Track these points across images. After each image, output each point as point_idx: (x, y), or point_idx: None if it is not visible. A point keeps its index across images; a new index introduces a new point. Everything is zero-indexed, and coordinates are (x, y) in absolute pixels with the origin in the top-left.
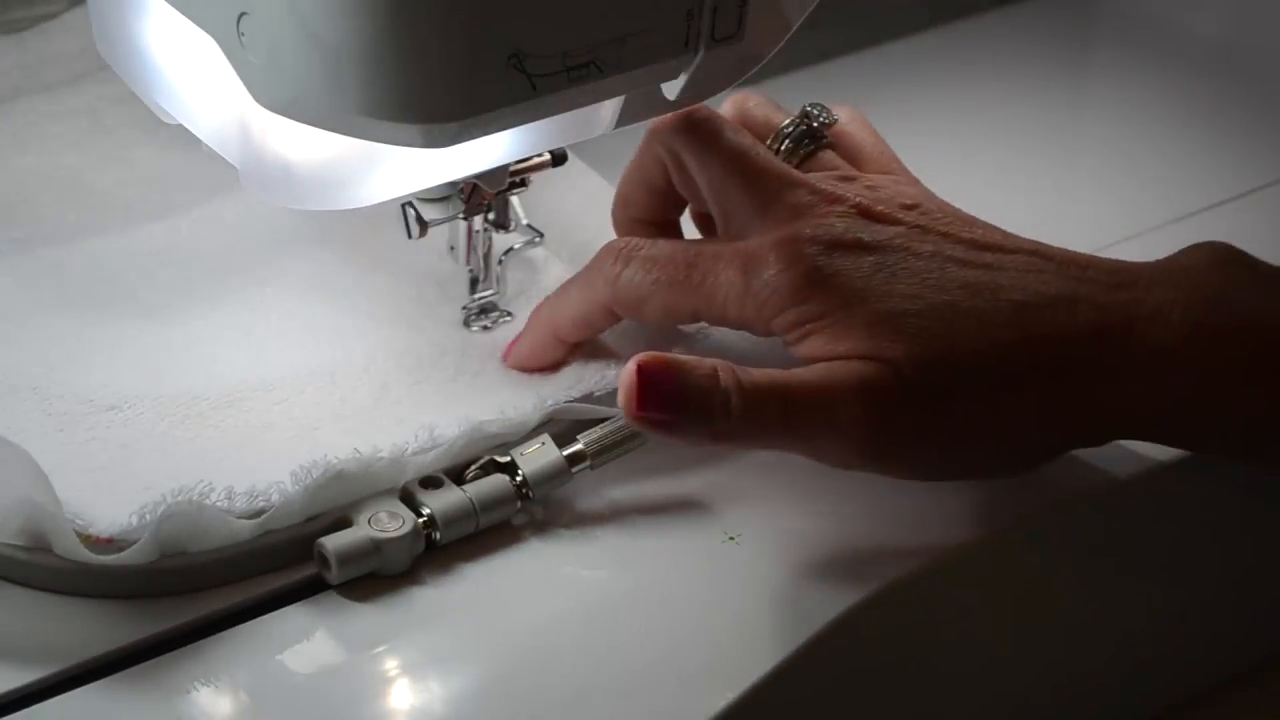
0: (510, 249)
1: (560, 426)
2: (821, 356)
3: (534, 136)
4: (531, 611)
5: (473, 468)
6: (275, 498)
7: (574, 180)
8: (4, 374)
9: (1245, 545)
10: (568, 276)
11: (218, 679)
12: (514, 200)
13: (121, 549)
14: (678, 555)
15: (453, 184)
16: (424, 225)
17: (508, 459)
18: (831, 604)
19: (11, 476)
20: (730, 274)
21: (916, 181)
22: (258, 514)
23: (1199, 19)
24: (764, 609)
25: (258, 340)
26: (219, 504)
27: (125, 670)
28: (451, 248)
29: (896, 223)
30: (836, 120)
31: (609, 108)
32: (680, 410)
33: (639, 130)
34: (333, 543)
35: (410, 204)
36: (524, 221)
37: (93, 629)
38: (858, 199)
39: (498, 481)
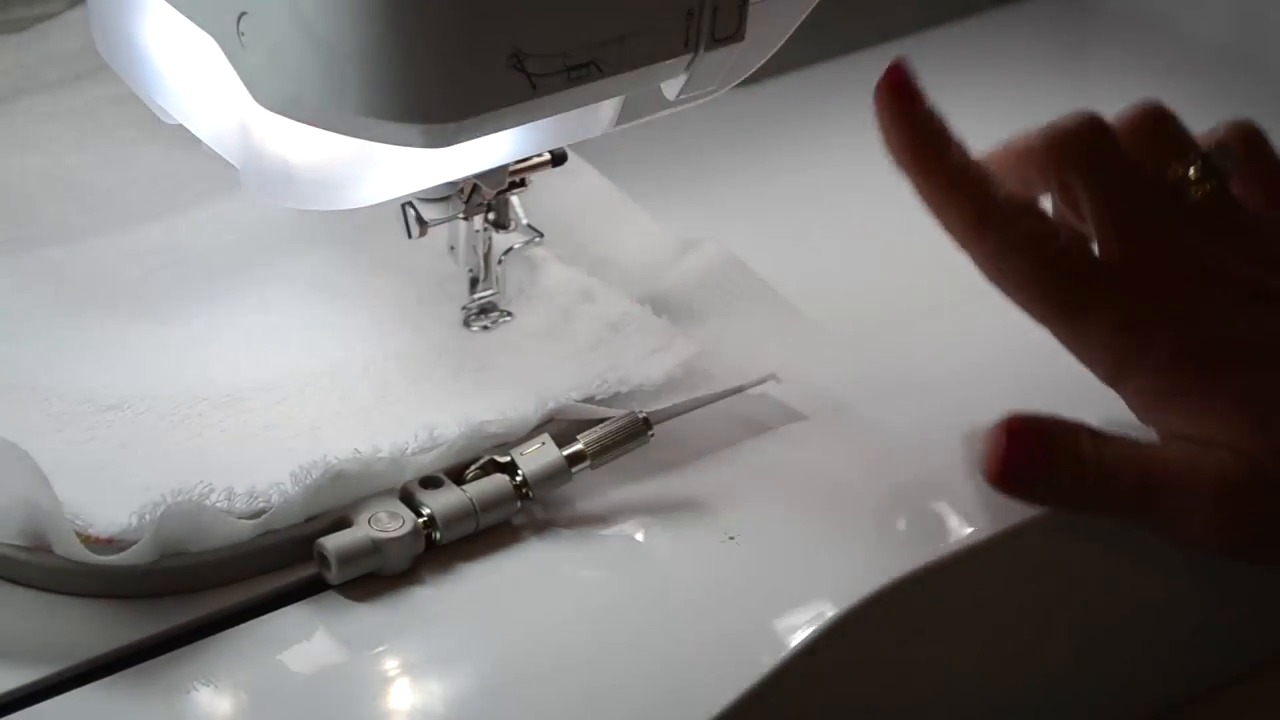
0: (510, 249)
1: (560, 426)
2: (1174, 431)
3: (534, 136)
4: (531, 611)
5: (473, 468)
6: (275, 498)
7: (574, 180)
8: (4, 374)
9: None
10: (568, 277)
11: (218, 679)
12: (514, 200)
13: (121, 549)
14: (678, 555)
15: (453, 184)
16: (424, 225)
17: (508, 459)
18: (831, 604)
19: (11, 476)
20: (1111, 300)
21: None
22: (258, 514)
23: (1199, 19)
24: (764, 609)
25: (258, 340)
26: (219, 504)
27: (125, 670)
28: (451, 248)
29: None
30: (1237, 160)
31: (609, 107)
32: (1047, 476)
33: (639, 130)
34: (333, 543)
35: (410, 204)
36: (524, 221)
37: (93, 629)
38: (1250, 280)
39: (498, 481)
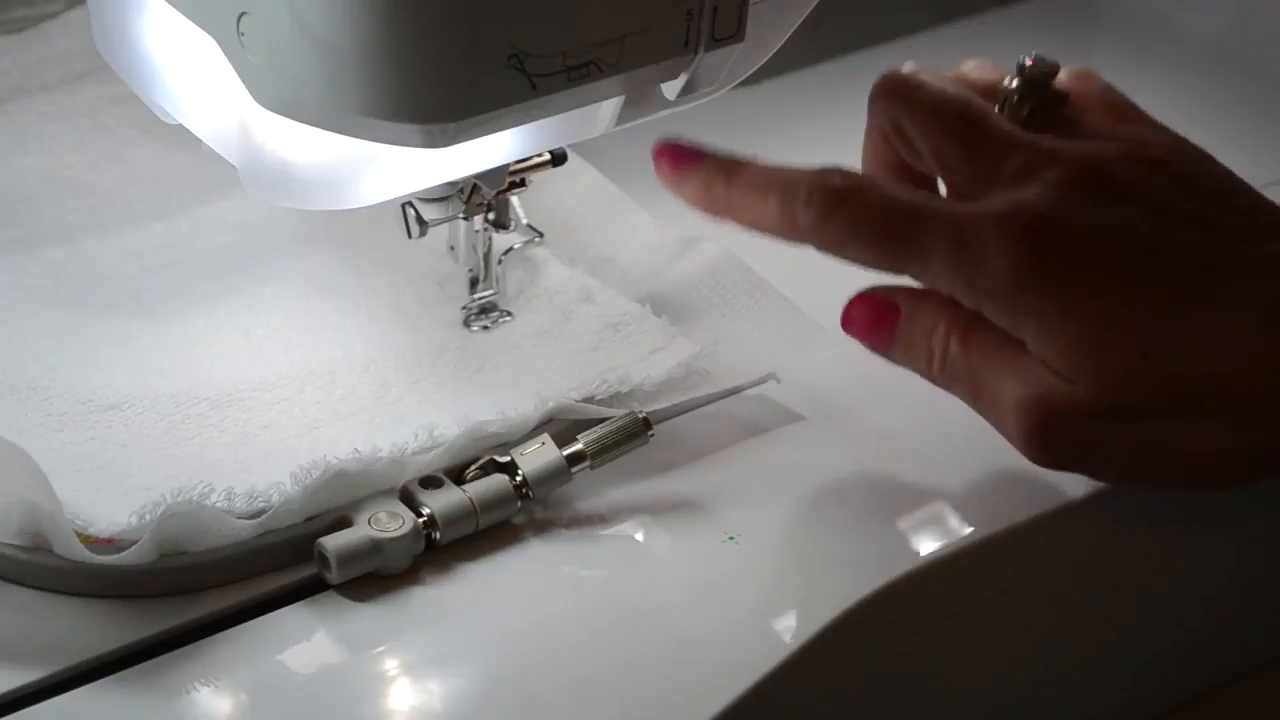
0: (510, 249)
1: (560, 426)
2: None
3: (534, 136)
4: (531, 611)
5: (473, 468)
6: (275, 498)
7: (574, 180)
8: (4, 374)
9: (1246, 545)
10: (568, 277)
11: (218, 679)
12: (514, 200)
13: (121, 549)
14: (678, 555)
15: (453, 184)
16: (424, 225)
17: (508, 459)
18: (831, 604)
19: (11, 476)
20: (943, 245)
21: (1165, 129)
22: (258, 514)
23: (1199, 19)
24: (764, 609)
25: (258, 340)
26: (219, 504)
27: (125, 670)
28: (451, 248)
29: (1128, 197)
30: (1056, 66)
31: (609, 107)
32: (885, 347)
33: (639, 130)
34: (333, 543)
35: (410, 204)
36: (524, 221)
37: (93, 629)
38: (1086, 160)
39: (498, 481)
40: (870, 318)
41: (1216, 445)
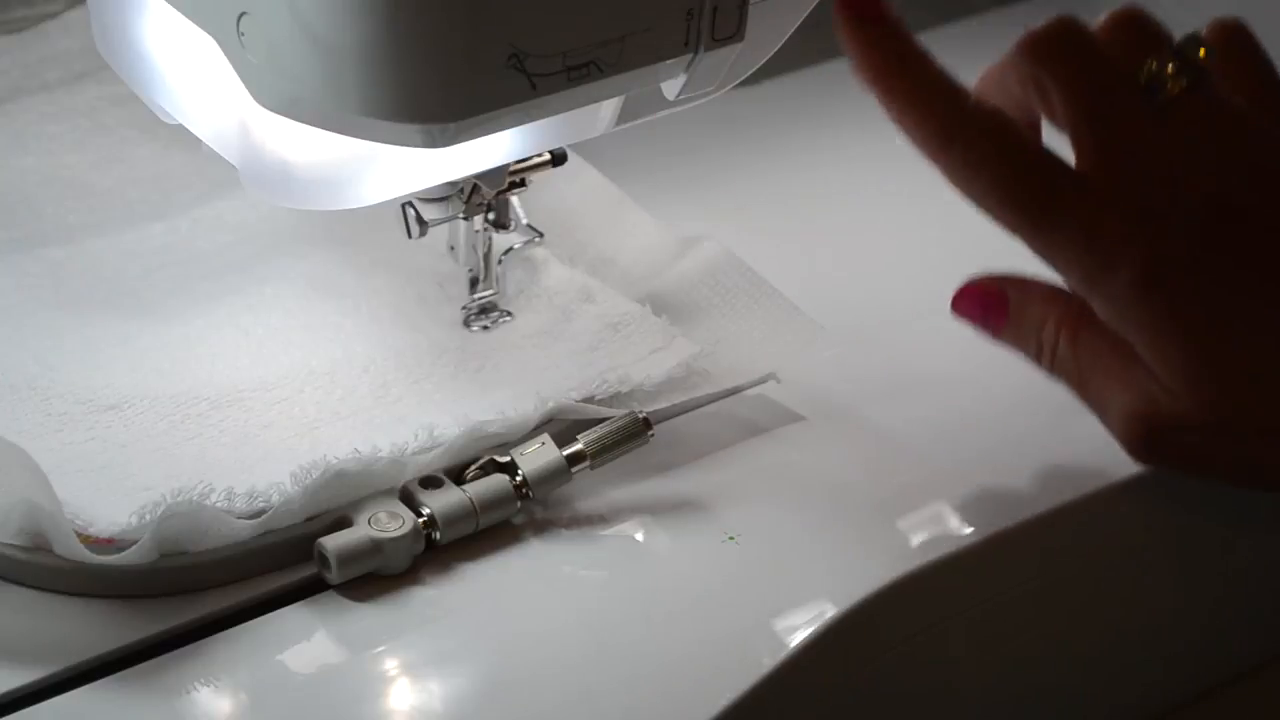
0: (510, 249)
1: (560, 426)
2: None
3: (534, 136)
4: (531, 611)
5: (473, 468)
6: (275, 498)
7: (574, 180)
8: (4, 374)
9: (1246, 545)
10: (568, 277)
11: (218, 679)
12: (514, 200)
13: (121, 549)
14: (678, 555)
15: (453, 184)
16: (424, 225)
17: (508, 459)
18: (831, 604)
19: (11, 476)
20: (1079, 215)
21: None
22: (258, 514)
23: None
24: (764, 609)
25: (258, 340)
26: (219, 504)
27: (125, 670)
28: (451, 248)
29: (1251, 227)
30: (1205, 48)
31: (609, 107)
32: (994, 333)
33: (639, 130)
34: (333, 543)
35: (410, 204)
36: (524, 221)
37: (93, 629)
38: (1218, 205)
39: (498, 481)
40: (980, 304)
41: None
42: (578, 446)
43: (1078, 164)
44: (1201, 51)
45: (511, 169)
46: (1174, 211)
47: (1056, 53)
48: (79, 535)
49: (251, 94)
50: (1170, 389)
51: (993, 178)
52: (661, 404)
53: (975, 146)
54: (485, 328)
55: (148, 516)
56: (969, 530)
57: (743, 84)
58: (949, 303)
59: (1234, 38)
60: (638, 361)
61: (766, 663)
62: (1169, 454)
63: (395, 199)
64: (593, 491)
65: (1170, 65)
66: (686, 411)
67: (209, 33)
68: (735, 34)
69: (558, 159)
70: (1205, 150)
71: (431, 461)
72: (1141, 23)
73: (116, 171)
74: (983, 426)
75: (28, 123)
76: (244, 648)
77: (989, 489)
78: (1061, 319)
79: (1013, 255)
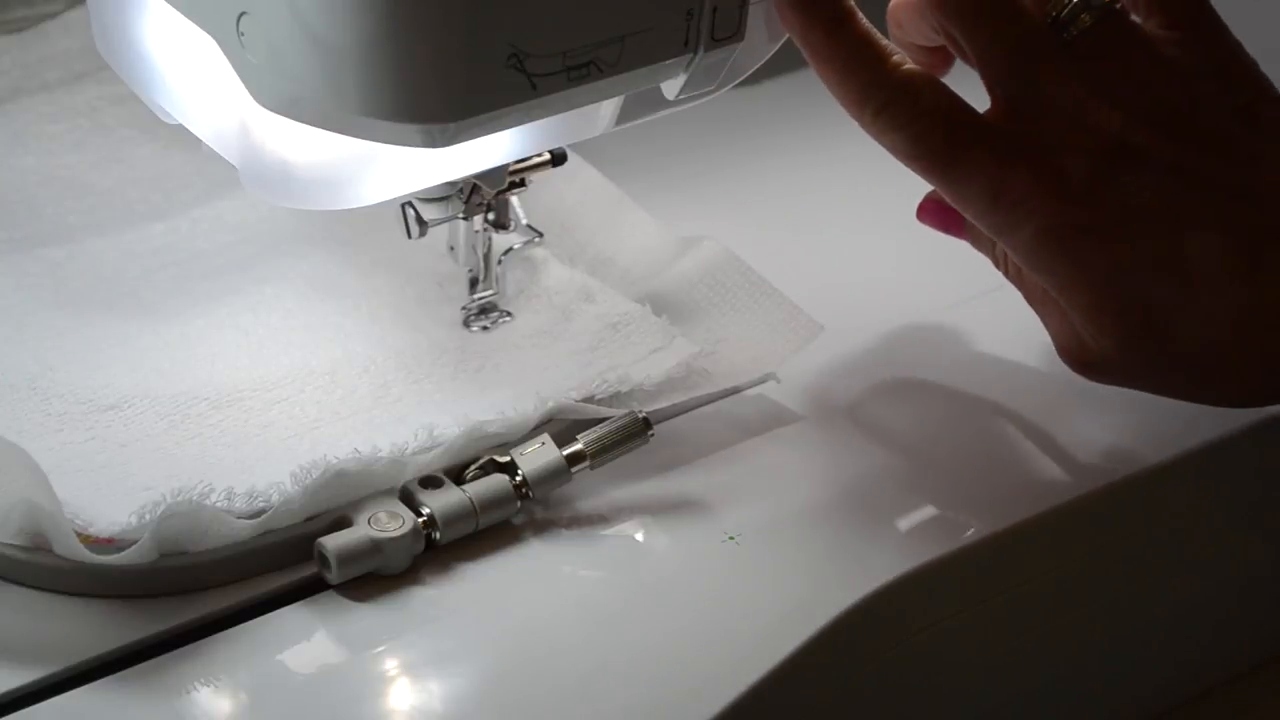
0: (510, 249)
1: (560, 426)
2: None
3: (534, 136)
4: (531, 611)
5: (473, 468)
6: (275, 498)
7: (574, 180)
8: (4, 374)
9: (1245, 545)
10: (568, 277)
11: (218, 679)
12: (514, 200)
13: (121, 549)
14: (678, 555)
15: (453, 184)
16: (424, 225)
17: (508, 459)
18: (832, 604)
19: (11, 476)
20: (983, 173)
21: (1217, 41)
22: (257, 514)
23: None
24: (764, 609)
25: (258, 340)
26: (219, 504)
27: (125, 670)
28: (451, 248)
29: (1159, 163)
30: None
31: (609, 107)
32: (958, 235)
33: (639, 130)
34: (333, 543)
35: (410, 204)
36: (524, 221)
37: (93, 629)
38: (1116, 148)
39: (498, 481)
40: (939, 214)
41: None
42: (578, 446)
43: (989, 112)
44: None
45: (511, 169)
46: (1075, 159)
47: (962, 4)
48: (79, 535)
49: (251, 94)
50: (1085, 330)
51: (903, 138)
52: (661, 404)
53: (888, 109)
54: (485, 328)
55: (148, 516)
56: (969, 530)
57: (743, 84)
58: (959, 300)
59: None
60: (638, 362)
61: (766, 663)
62: (1101, 380)
63: (395, 199)
64: (593, 491)
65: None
66: (686, 411)
67: (209, 33)
68: (735, 34)
69: (558, 159)
70: (1110, 88)
71: (431, 461)
72: None
73: (116, 171)
74: (982, 426)
75: (28, 123)
76: (244, 648)
77: (989, 489)
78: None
79: None
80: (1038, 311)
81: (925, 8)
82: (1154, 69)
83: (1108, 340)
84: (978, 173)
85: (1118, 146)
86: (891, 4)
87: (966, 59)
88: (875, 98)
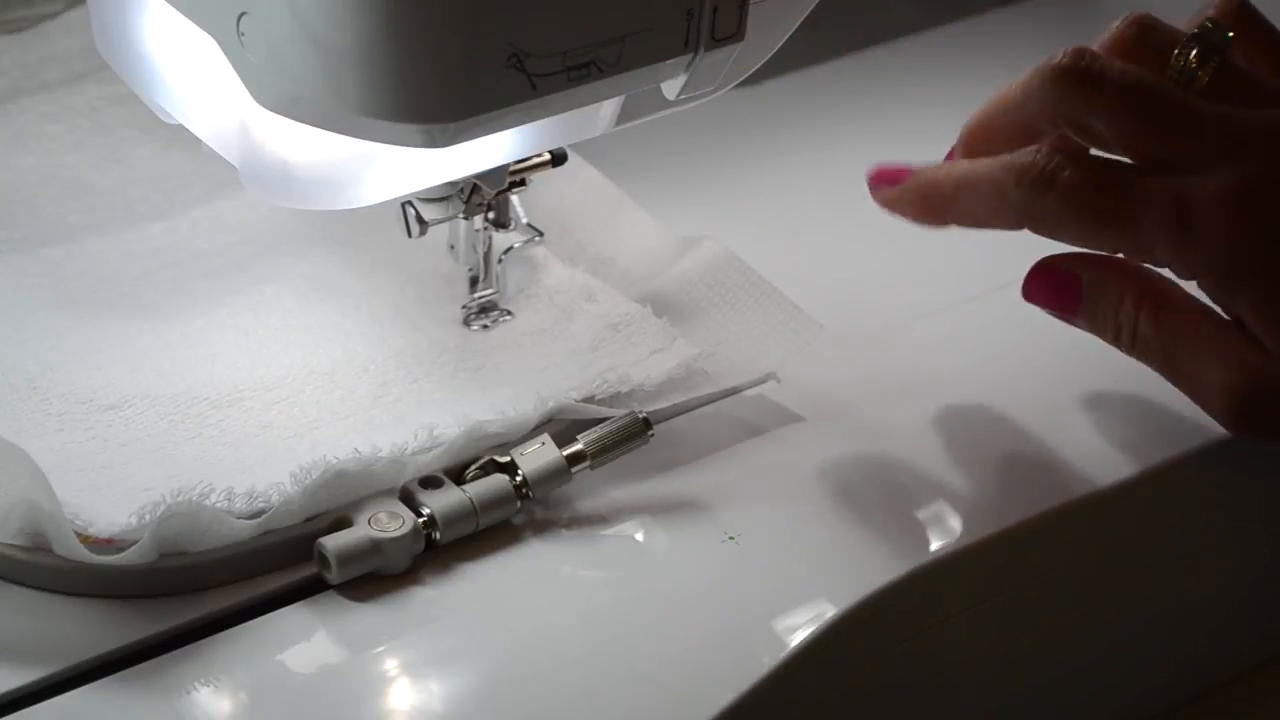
0: (510, 248)
1: (560, 426)
2: (1230, 313)
3: (534, 136)
4: (531, 611)
5: (473, 468)
6: (275, 498)
7: (574, 179)
8: (4, 374)
9: (1246, 545)
10: (568, 276)
11: (218, 679)
12: (514, 199)
13: (121, 549)
14: (678, 555)
15: (453, 184)
16: (424, 225)
17: (508, 459)
18: (832, 604)
19: (11, 476)
20: (1162, 218)
21: None
22: (257, 514)
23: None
24: (764, 609)
25: (258, 340)
26: (219, 504)
27: (125, 670)
28: (451, 247)
29: None
30: (1229, 28)
31: (609, 107)
32: (1072, 316)
33: (639, 130)
34: (333, 543)
35: (410, 204)
36: (524, 221)
37: (93, 629)
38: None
39: (498, 481)
40: (1052, 288)
41: None
42: (578, 446)
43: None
44: (1222, 35)
45: (511, 169)
46: (1255, 176)
47: (1088, 75)
48: (79, 535)
49: (251, 94)
50: (1273, 352)
51: (1063, 199)
52: (661, 404)
53: (1031, 184)
54: (485, 327)
55: (148, 516)
56: (969, 530)
57: (743, 84)
58: (959, 300)
59: (1240, 11)
60: (638, 362)
61: (766, 663)
62: (1269, 422)
63: (395, 199)
64: (593, 491)
65: (1194, 56)
66: (686, 411)
67: (209, 33)
68: (735, 34)
69: (557, 159)
70: (1258, 119)
71: (431, 461)
72: (1148, 27)
73: (116, 171)
74: (983, 426)
75: (28, 123)
76: (244, 648)
77: (989, 488)
78: (1141, 296)
79: (1013, 254)
80: (1183, 372)
81: (1039, 91)
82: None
83: None
84: (1157, 194)
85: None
86: (972, 127)
87: (1094, 143)
88: (1010, 175)
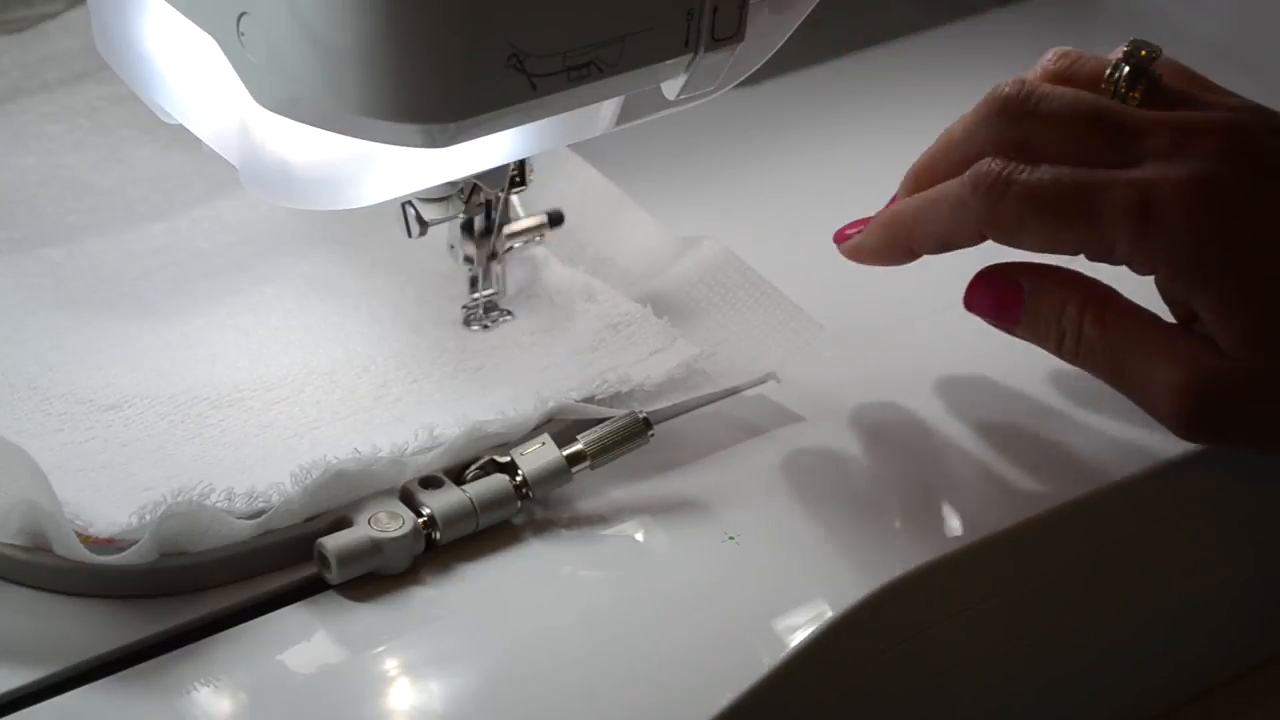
0: (511, 248)
1: (560, 426)
2: (1179, 314)
3: (534, 136)
4: (531, 611)
5: (473, 468)
6: (275, 498)
7: (574, 179)
8: (4, 374)
9: (1245, 546)
10: (569, 276)
11: (218, 679)
12: (514, 200)
13: (121, 549)
14: (678, 555)
15: (453, 184)
16: (424, 225)
17: (508, 459)
18: (831, 604)
19: (11, 476)
20: (1124, 212)
21: (1238, 97)
22: (257, 514)
23: (1199, 19)
24: (764, 609)
25: (258, 340)
26: (219, 504)
27: (125, 670)
28: (451, 247)
29: (1274, 164)
30: (1159, 49)
31: (609, 107)
32: (1013, 325)
33: (639, 130)
34: (333, 543)
35: (410, 204)
36: (523, 220)
37: (93, 629)
38: (1229, 129)
39: (498, 481)
40: (993, 297)
41: None
42: (578, 446)
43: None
44: (1148, 57)
45: (508, 234)
46: (1212, 170)
47: (1028, 103)
48: (79, 535)
49: (251, 94)
50: (1235, 346)
51: (1021, 201)
52: (661, 404)
53: (987, 190)
54: (485, 327)
55: (148, 516)
56: (969, 530)
57: (743, 84)
58: (960, 300)
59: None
60: (638, 362)
61: (766, 663)
62: (1221, 424)
63: (395, 199)
64: (593, 491)
65: (1124, 77)
66: (686, 411)
67: (209, 32)
68: (735, 34)
69: (554, 220)
70: (1201, 118)
71: (431, 461)
72: (1076, 55)
73: (116, 171)
74: (983, 426)
75: (28, 123)
76: (244, 648)
77: (989, 489)
78: (1084, 302)
79: (1013, 253)
80: (1130, 377)
81: (989, 120)
82: (1224, 107)
83: (1266, 348)
84: (1117, 189)
85: (1236, 138)
86: (918, 168)
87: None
88: (965, 186)
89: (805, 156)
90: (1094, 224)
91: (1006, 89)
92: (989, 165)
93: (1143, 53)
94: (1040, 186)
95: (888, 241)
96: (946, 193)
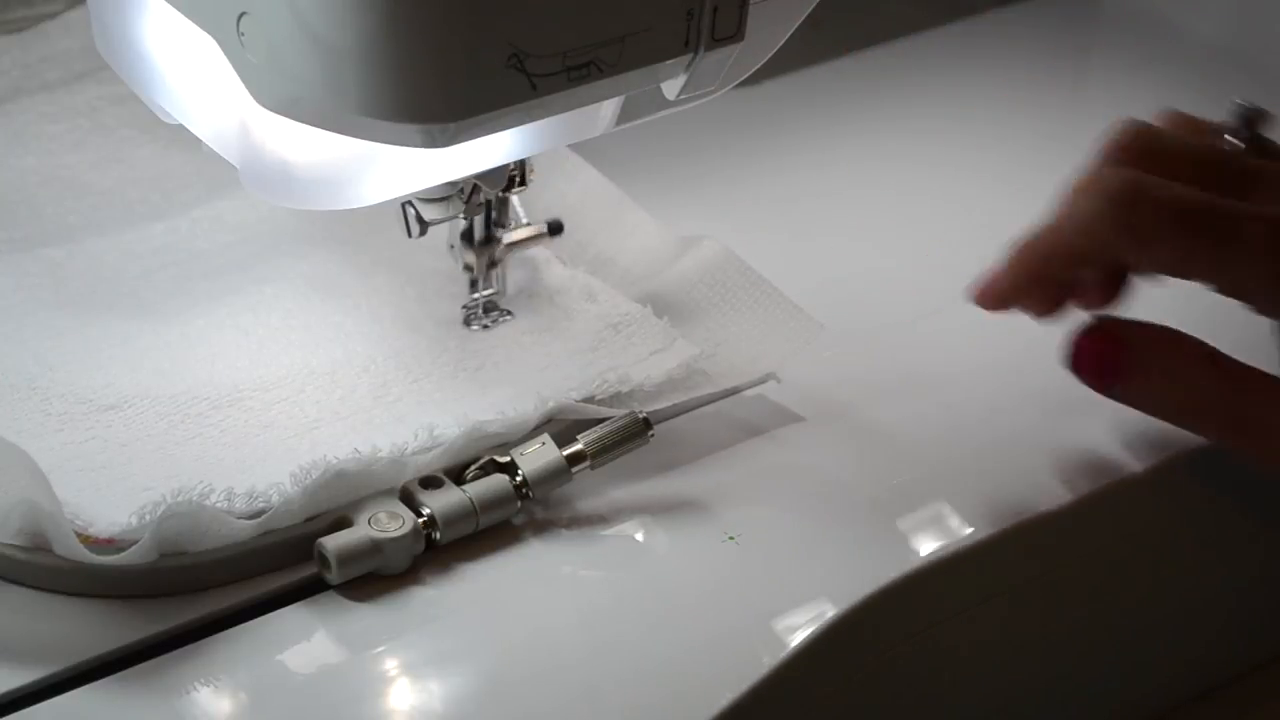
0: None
1: (560, 426)
2: None
3: (534, 136)
4: (531, 611)
5: (473, 468)
6: (275, 498)
7: (574, 179)
8: (4, 374)
9: (1245, 546)
10: (569, 276)
11: (218, 679)
12: (514, 200)
13: (121, 549)
14: (678, 555)
15: (453, 184)
16: (424, 225)
17: (508, 459)
18: (831, 604)
19: (11, 476)
20: (1261, 239)
21: None
22: (257, 514)
23: (1199, 19)
24: (764, 609)
25: (258, 340)
26: (219, 504)
27: (125, 670)
28: (451, 247)
29: None
30: (1261, 112)
31: (609, 107)
32: (1120, 382)
33: (639, 130)
34: (333, 543)
35: (410, 204)
36: (524, 221)
37: (93, 629)
38: None
39: (498, 481)
40: (1099, 354)
41: None
42: (578, 446)
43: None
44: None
45: (508, 242)
46: None
47: (1141, 193)
48: (79, 535)
49: (251, 94)
50: None
51: (1156, 214)
52: (661, 404)
53: (1119, 202)
54: (485, 327)
55: (148, 516)
56: (969, 530)
57: (743, 84)
58: (960, 299)
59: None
60: (638, 362)
61: (766, 662)
62: None
63: (395, 199)
64: (593, 491)
65: (1231, 137)
66: (686, 411)
67: (209, 33)
68: (735, 34)
69: (554, 229)
70: None
71: (431, 461)
72: (1184, 118)
73: (116, 171)
74: (983, 426)
75: (28, 123)
76: (244, 648)
77: (989, 489)
78: (1197, 356)
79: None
80: (1247, 433)
81: (1100, 243)
82: None
83: None
84: (1256, 221)
85: None
86: (1015, 265)
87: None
88: (1091, 202)
89: (805, 156)
90: (1231, 247)
91: (1121, 174)
92: (1119, 180)
93: (1253, 116)
94: (1181, 199)
95: (1026, 276)
96: (1078, 208)
